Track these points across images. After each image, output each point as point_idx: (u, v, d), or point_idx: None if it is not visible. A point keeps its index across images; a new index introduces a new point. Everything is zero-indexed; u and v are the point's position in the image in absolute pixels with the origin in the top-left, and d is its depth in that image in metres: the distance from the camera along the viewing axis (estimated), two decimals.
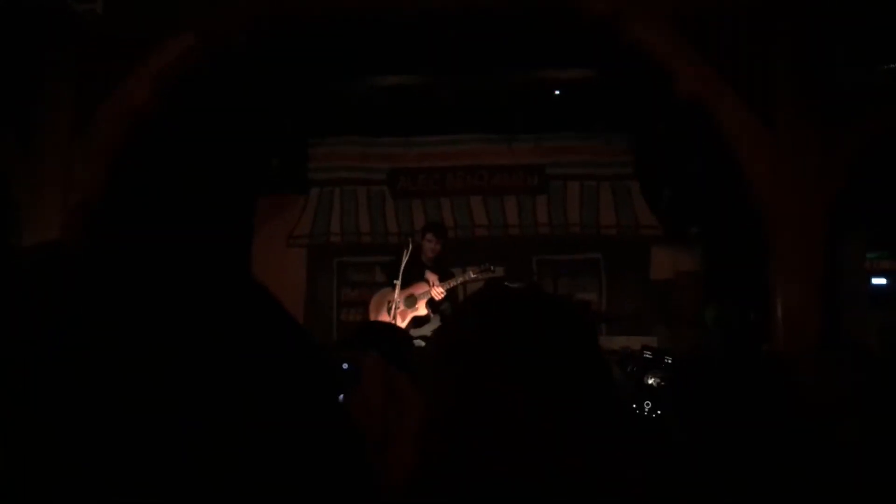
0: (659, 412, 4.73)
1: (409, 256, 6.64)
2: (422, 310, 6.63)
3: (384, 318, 6.75)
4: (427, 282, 6.63)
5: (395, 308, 6.58)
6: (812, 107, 5.52)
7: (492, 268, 6.68)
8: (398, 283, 6.62)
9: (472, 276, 6.66)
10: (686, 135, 7.23)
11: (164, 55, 6.01)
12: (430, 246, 6.74)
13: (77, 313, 0.41)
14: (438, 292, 6.59)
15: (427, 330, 6.40)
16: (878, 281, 7.83)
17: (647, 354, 5.61)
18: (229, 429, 0.40)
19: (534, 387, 1.02)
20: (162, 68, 6.02)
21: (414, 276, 6.66)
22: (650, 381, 5.30)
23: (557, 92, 8.36)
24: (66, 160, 5.95)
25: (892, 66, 5.39)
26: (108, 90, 5.97)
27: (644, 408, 4.79)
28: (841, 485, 1.77)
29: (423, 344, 4.95)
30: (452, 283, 6.63)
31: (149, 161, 6.64)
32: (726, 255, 7.48)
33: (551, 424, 1.01)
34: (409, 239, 6.87)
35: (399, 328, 5.75)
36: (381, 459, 1.57)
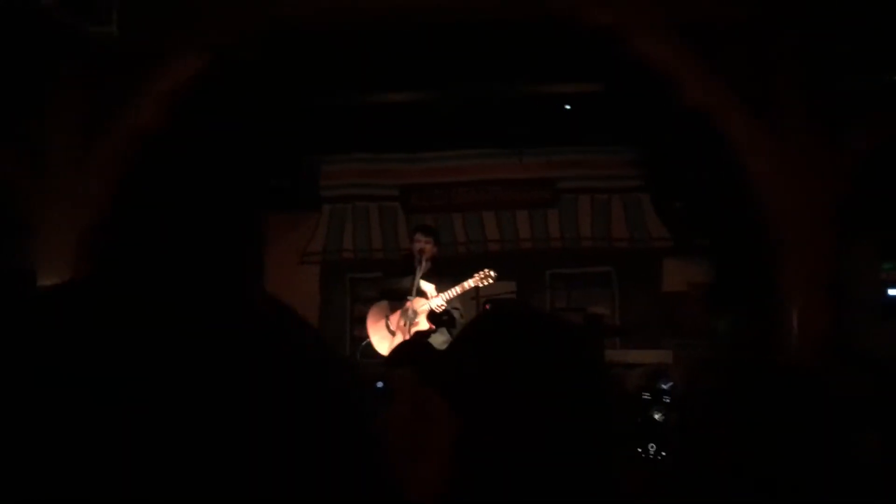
0: (664, 454, 4.60)
1: (406, 267, 6.62)
2: (423, 324, 6.48)
3: (380, 331, 6.70)
4: (424, 294, 6.50)
5: (410, 322, 6.50)
6: (818, 114, 5.49)
7: (491, 274, 6.57)
8: (411, 298, 6.57)
9: (472, 284, 6.52)
10: (694, 145, 7.21)
11: (174, 73, 6.05)
12: (420, 246, 6.54)
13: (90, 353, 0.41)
14: (438, 305, 6.42)
15: (436, 343, 6.29)
16: (894, 292, 7.75)
17: (646, 396, 5.54)
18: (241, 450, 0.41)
19: (534, 400, 1.05)
20: (171, 87, 6.06)
21: (411, 289, 6.54)
22: (656, 417, 5.20)
23: (568, 107, 8.36)
24: (76, 179, 5.99)
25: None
26: (118, 109, 6.02)
27: (649, 450, 4.65)
28: (859, 495, 1.76)
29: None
30: (451, 294, 6.46)
31: (159, 179, 6.69)
32: (737, 266, 7.44)
33: (554, 435, 1.03)
34: (413, 235, 6.82)
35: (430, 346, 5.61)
36: (409, 474, 1.58)
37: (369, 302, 9.09)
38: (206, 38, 6.02)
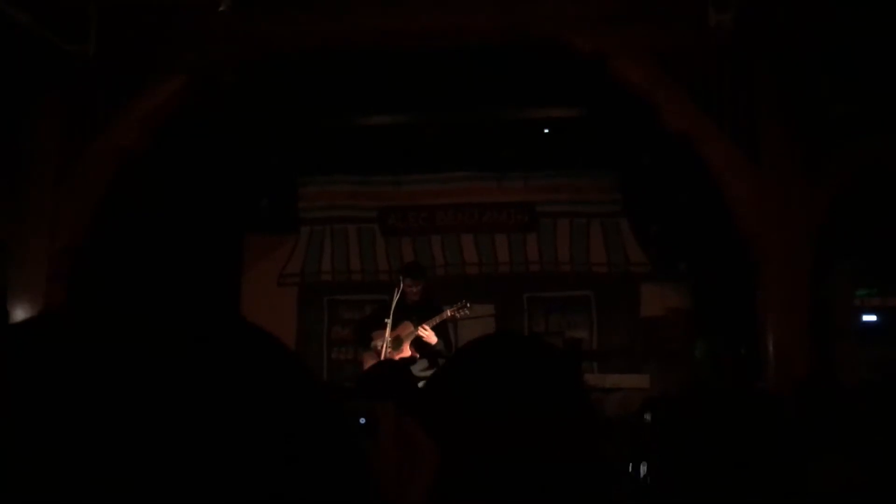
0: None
1: (399, 295, 6.65)
2: (407, 351, 6.62)
3: (373, 357, 6.72)
4: (412, 322, 6.61)
5: (387, 349, 6.56)
6: (796, 140, 5.55)
7: (467, 304, 6.70)
8: (389, 322, 6.59)
9: (449, 314, 6.66)
10: (673, 171, 7.27)
11: (153, 96, 6.01)
12: (409, 290, 6.73)
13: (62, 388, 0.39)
14: (424, 332, 6.56)
15: (415, 370, 6.31)
16: (869, 318, 7.83)
17: (648, 417, 5.47)
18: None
19: (514, 428, 1.05)
20: (150, 109, 6.01)
21: (400, 318, 6.64)
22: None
23: (546, 130, 8.41)
24: (54, 200, 5.93)
25: (875, 99, 5.44)
26: (96, 131, 5.97)
27: (640, 470, 4.58)
28: None
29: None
30: (435, 321, 6.61)
31: (137, 201, 6.64)
32: (716, 290, 7.48)
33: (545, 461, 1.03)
34: (401, 277, 6.85)
35: (399, 368, 5.66)
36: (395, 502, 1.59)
37: (347, 324, 9.10)
38: (187, 61, 5.99)
